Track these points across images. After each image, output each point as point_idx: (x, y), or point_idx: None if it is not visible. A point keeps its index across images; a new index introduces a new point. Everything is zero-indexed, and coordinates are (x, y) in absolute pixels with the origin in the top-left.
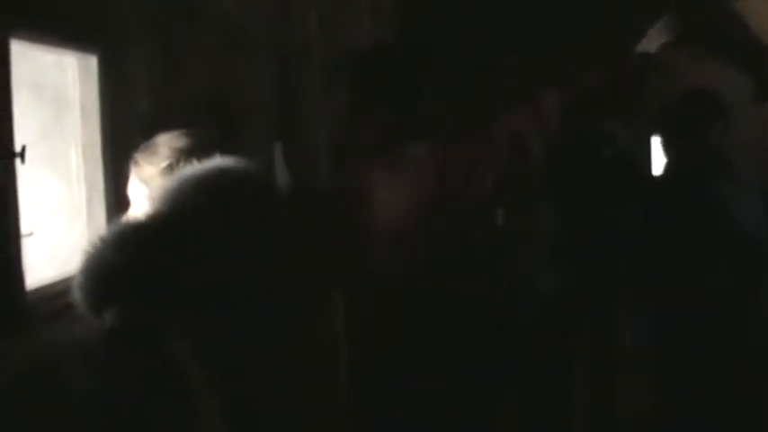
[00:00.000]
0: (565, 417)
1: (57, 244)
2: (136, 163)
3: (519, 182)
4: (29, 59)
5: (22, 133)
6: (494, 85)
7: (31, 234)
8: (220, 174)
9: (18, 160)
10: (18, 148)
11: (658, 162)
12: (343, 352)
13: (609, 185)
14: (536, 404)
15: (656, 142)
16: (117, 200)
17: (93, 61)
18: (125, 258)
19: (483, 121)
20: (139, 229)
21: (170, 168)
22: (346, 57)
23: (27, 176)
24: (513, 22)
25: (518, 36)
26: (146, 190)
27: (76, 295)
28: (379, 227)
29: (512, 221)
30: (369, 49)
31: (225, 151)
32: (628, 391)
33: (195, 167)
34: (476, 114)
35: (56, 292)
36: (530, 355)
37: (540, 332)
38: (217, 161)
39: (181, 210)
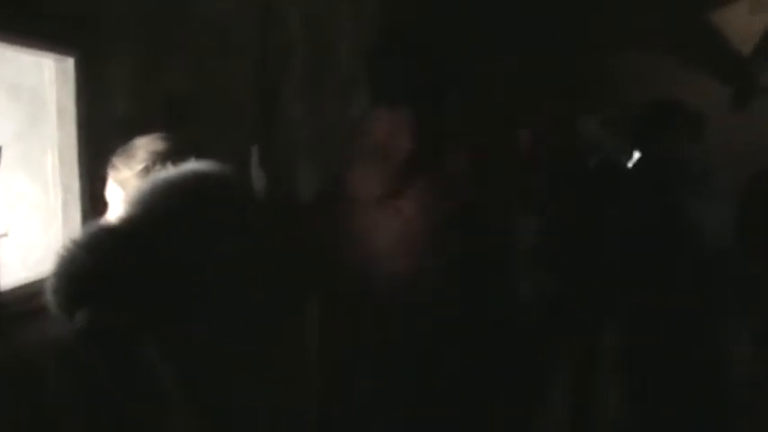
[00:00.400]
0: (549, 420)
1: (31, 246)
2: (113, 166)
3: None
4: (5, 60)
5: None
6: (504, 92)
7: (5, 235)
8: (194, 177)
9: None
10: None
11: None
12: (336, 354)
13: (596, 192)
14: (524, 407)
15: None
16: (92, 203)
17: (70, 63)
18: (96, 261)
19: (502, 127)
20: (111, 231)
21: (146, 171)
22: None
23: (2, 178)
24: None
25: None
26: (122, 193)
27: (49, 297)
28: (396, 235)
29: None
30: (383, 45)
31: (201, 155)
32: (610, 393)
33: (170, 171)
34: (493, 121)
35: (31, 293)
36: (525, 357)
37: (533, 334)
38: (192, 165)
39: (153, 213)
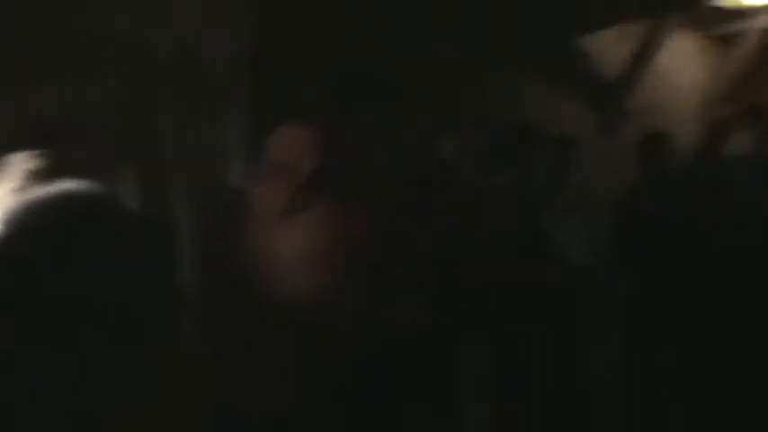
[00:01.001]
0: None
1: None
2: None
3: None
4: None
5: None
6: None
7: None
8: (66, 197)
9: None
10: None
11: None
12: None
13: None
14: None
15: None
16: None
17: None
18: None
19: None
20: None
21: (19, 190)
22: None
23: None
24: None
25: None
26: None
27: None
28: (298, 251)
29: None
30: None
31: (75, 174)
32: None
33: (41, 190)
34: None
35: None
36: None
37: (418, 351)
38: (64, 184)
39: (23, 233)
